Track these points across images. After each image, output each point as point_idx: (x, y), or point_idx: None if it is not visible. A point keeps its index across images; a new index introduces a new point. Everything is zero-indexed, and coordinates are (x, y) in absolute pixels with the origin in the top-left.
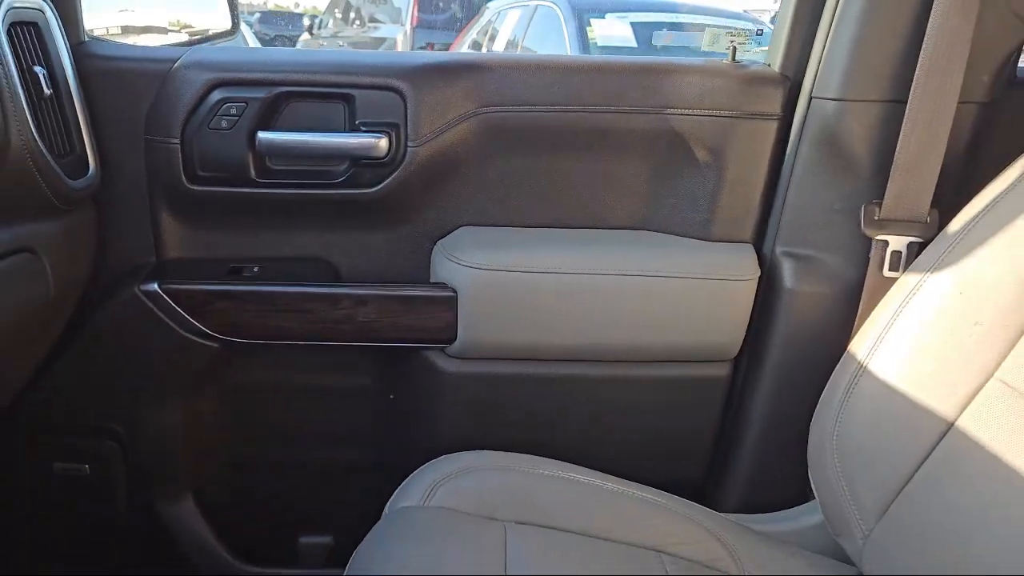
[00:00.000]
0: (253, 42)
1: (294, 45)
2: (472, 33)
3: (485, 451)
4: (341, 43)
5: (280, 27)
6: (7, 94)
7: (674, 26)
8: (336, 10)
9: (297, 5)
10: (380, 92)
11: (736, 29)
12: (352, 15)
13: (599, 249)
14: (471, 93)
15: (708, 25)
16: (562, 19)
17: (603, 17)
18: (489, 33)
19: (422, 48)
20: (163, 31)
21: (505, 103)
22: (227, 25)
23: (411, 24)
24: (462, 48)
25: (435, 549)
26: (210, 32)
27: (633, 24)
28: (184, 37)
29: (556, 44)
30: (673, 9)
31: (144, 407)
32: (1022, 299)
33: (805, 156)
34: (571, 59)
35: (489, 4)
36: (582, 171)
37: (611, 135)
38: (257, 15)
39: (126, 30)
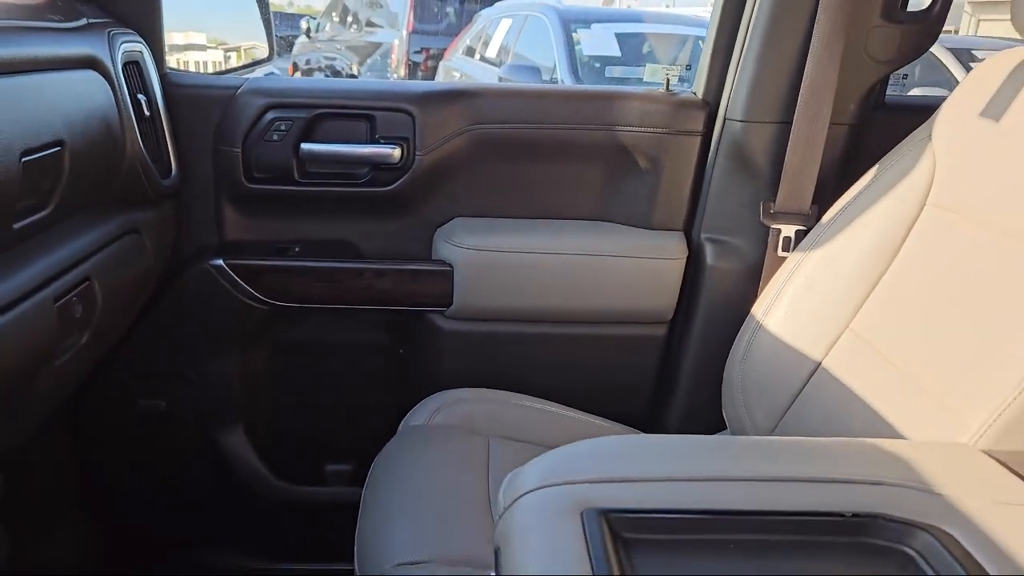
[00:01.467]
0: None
1: (291, 46)
2: (466, 39)
3: (475, 388)
4: (338, 46)
5: (276, 28)
6: (124, 116)
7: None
8: (333, 13)
9: (291, 4)
10: (394, 113)
11: (671, 66)
12: (349, 19)
13: (564, 235)
14: (465, 114)
15: (690, 36)
16: (551, 29)
17: (589, 28)
18: (483, 39)
19: (417, 52)
20: (202, 48)
21: (491, 121)
22: (266, 53)
23: (407, 29)
24: (456, 52)
25: (435, 453)
26: (253, 59)
27: (617, 35)
28: (220, 53)
29: (545, 52)
30: (657, 20)
31: (209, 356)
32: (867, 270)
33: (720, 164)
34: (541, 88)
35: (482, 12)
36: (551, 174)
37: (573, 147)
38: None
39: (171, 48)
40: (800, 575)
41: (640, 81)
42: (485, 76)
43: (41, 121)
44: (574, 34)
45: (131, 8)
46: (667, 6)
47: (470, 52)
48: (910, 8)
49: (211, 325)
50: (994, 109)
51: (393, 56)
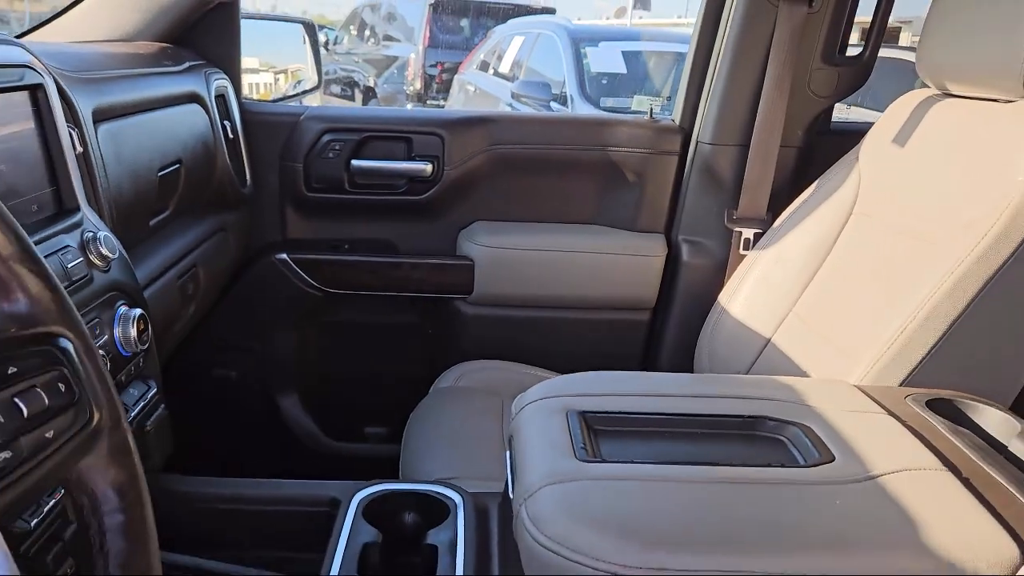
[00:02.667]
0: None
1: None
2: (480, 54)
3: (491, 360)
4: (356, 59)
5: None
6: (217, 139)
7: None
8: (351, 26)
9: (305, 12)
10: (427, 136)
11: (655, 97)
12: (367, 32)
13: (565, 236)
14: (485, 136)
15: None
16: (561, 47)
17: (597, 46)
18: (497, 54)
19: (432, 66)
20: (255, 71)
21: (506, 143)
22: (315, 81)
23: (423, 44)
24: (471, 67)
25: (460, 408)
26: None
27: (624, 52)
28: (270, 75)
29: (555, 68)
30: (661, 38)
31: (272, 333)
32: (807, 265)
33: (693, 179)
34: (548, 115)
35: (496, 28)
36: (555, 186)
37: (573, 164)
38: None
39: None
40: (710, 451)
41: (628, 109)
42: (498, 90)
43: (169, 145)
44: (583, 51)
45: (218, 52)
46: (678, 16)
47: (484, 67)
48: (849, 52)
49: (275, 308)
50: (901, 138)
51: (410, 69)
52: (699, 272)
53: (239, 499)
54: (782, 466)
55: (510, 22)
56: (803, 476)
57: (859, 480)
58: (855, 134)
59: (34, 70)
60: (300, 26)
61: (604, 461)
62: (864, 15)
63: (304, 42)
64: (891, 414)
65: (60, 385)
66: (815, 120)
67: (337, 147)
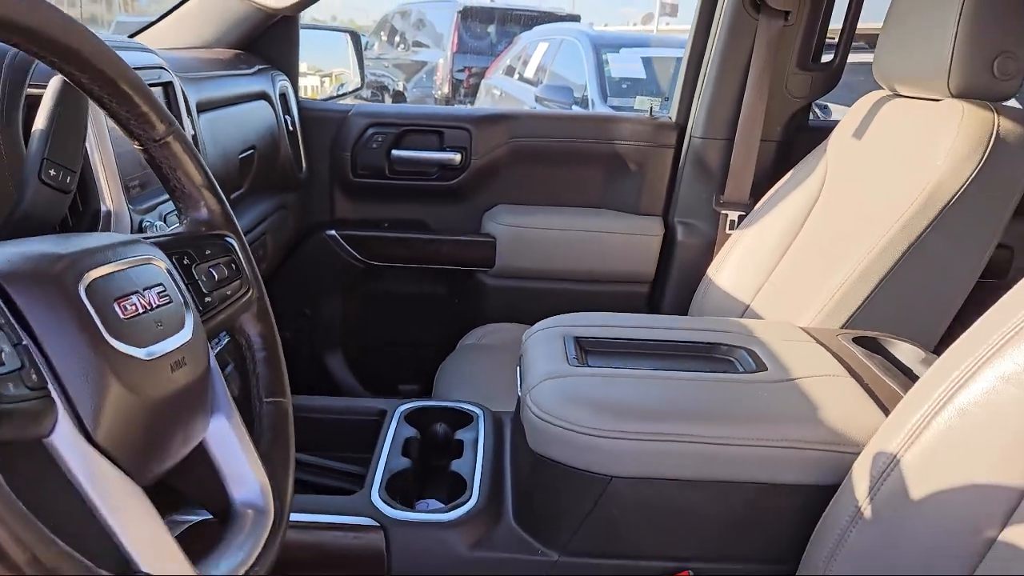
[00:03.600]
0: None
1: None
2: (507, 60)
3: (511, 323)
4: (386, 64)
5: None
6: (281, 131)
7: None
8: (382, 33)
9: (335, 19)
10: (457, 130)
11: (654, 98)
12: (397, 39)
13: (575, 217)
14: (506, 131)
15: None
16: (583, 53)
17: (618, 52)
18: (522, 59)
19: (460, 71)
20: (303, 74)
21: (524, 136)
22: (358, 82)
23: (451, 50)
24: (497, 72)
25: (483, 359)
26: (341, 83)
27: (644, 58)
28: (317, 78)
29: (577, 73)
30: (680, 45)
31: (321, 300)
32: (782, 242)
33: (687, 169)
34: (561, 113)
35: (522, 35)
36: (567, 174)
37: (583, 155)
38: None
39: None
40: (674, 365)
41: (632, 108)
42: (523, 94)
43: (246, 134)
44: (605, 57)
45: (280, 57)
46: None
47: (510, 72)
48: (822, 59)
49: (324, 277)
50: (859, 133)
51: (438, 74)
52: (691, 250)
53: (301, 408)
54: (726, 372)
55: (535, 29)
56: (740, 378)
57: (781, 381)
58: (827, 130)
59: (166, 70)
60: (346, 35)
61: (590, 366)
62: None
63: (348, 49)
64: (820, 343)
65: (232, 265)
66: (792, 117)
67: (379, 139)
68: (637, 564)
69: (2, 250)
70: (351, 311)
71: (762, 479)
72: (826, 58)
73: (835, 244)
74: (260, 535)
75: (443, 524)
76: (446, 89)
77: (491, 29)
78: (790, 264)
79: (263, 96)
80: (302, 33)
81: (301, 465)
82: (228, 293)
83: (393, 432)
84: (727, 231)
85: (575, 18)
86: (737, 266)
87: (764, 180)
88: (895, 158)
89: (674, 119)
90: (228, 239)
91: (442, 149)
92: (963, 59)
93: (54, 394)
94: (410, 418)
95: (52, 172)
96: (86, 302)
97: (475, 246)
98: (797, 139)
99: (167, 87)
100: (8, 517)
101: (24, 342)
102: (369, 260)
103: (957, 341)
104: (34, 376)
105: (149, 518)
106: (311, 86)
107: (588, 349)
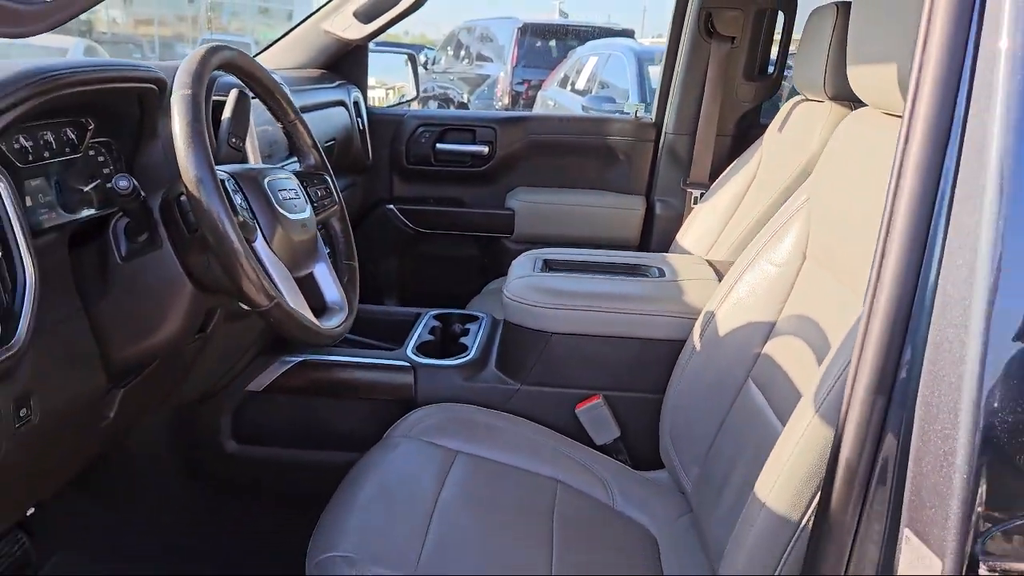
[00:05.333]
0: None
1: None
2: (561, 72)
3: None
4: (451, 77)
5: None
6: (354, 129)
7: None
8: (448, 47)
9: (407, 33)
10: (486, 128)
11: (639, 103)
12: (462, 53)
13: (577, 195)
14: (524, 129)
15: None
16: (627, 65)
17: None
18: (576, 70)
19: (520, 83)
20: (373, 87)
21: (538, 133)
22: (413, 94)
23: (511, 63)
24: (552, 84)
25: (495, 299)
26: (402, 95)
27: None
28: (382, 91)
29: (622, 83)
30: None
31: (381, 257)
32: (727, 211)
33: (663, 157)
34: (566, 115)
35: (576, 49)
36: (571, 162)
37: (584, 147)
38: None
39: None
40: (615, 278)
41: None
42: (572, 103)
43: (328, 130)
44: (647, 69)
45: (353, 74)
46: None
47: (563, 83)
48: (763, 71)
49: (383, 240)
50: (776, 126)
51: (499, 87)
52: (666, 220)
53: (364, 311)
54: (636, 277)
55: (588, 43)
56: (643, 279)
57: (669, 281)
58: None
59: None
60: (405, 56)
61: (552, 271)
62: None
63: (408, 67)
64: (711, 265)
65: (326, 189)
66: (743, 117)
67: (426, 135)
68: (567, 391)
69: (230, 167)
70: (403, 266)
71: (645, 336)
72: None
73: (754, 206)
74: (342, 316)
75: (450, 367)
76: (506, 100)
77: (551, 44)
78: (733, 225)
79: (341, 103)
80: (372, 55)
81: (362, 341)
82: (325, 203)
83: (424, 324)
84: (691, 205)
85: (629, 33)
86: (697, 231)
87: (721, 165)
88: (792, 144)
89: (653, 119)
90: (325, 176)
91: (474, 143)
92: (833, 69)
93: (257, 224)
94: (436, 318)
95: (233, 140)
96: (267, 188)
97: (499, 217)
98: (750, 134)
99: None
100: (252, 273)
101: (243, 202)
102: (418, 227)
103: (752, 242)
104: (248, 214)
105: (296, 293)
106: (378, 97)
107: (552, 266)
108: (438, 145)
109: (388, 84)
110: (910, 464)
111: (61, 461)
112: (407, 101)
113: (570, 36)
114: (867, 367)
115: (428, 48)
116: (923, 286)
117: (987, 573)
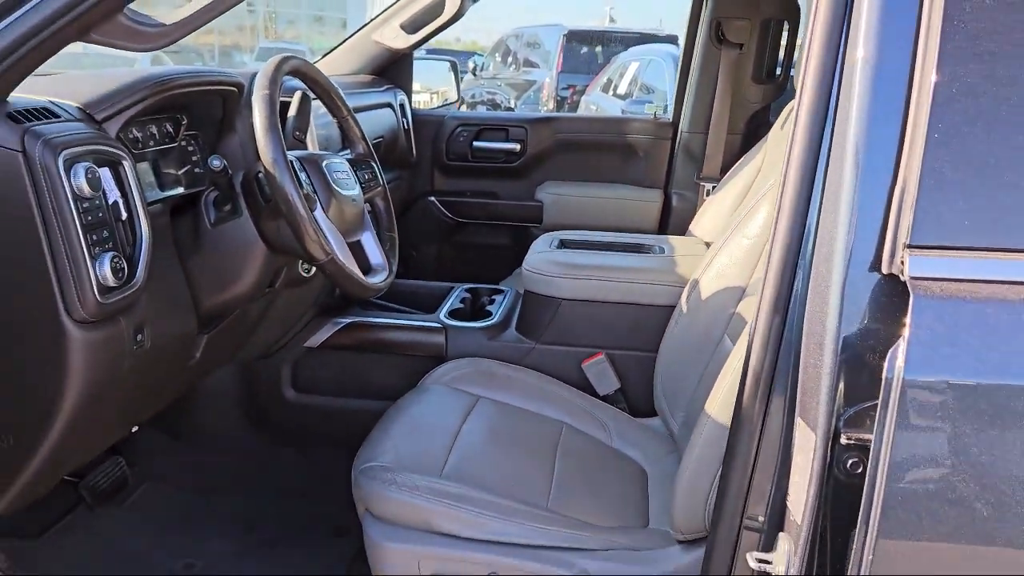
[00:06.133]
0: None
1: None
2: (604, 78)
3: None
4: (499, 83)
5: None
6: (399, 128)
7: None
8: (497, 54)
9: (458, 40)
10: (518, 128)
11: (658, 105)
12: (510, 59)
13: (599, 189)
14: (553, 128)
15: None
16: (666, 71)
17: None
18: (619, 74)
19: (564, 89)
20: (418, 92)
21: (565, 132)
22: (455, 98)
23: (556, 69)
24: (595, 89)
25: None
26: (445, 99)
27: None
28: (427, 95)
29: (661, 85)
30: None
31: (423, 244)
32: (734, 202)
33: (679, 154)
34: (592, 116)
35: (618, 56)
36: (595, 159)
37: (607, 145)
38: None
39: None
40: (623, 253)
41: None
42: (613, 107)
43: (377, 129)
44: None
45: (400, 79)
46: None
47: (606, 88)
48: (771, 74)
49: (425, 229)
50: (781, 125)
51: (544, 92)
52: (681, 212)
53: (400, 285)
54: (639, 254)
55: (630, 49)
56: (645, 256)
57: (666, 256)
58: None
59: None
60: (448, 63)
61: (566, 248)
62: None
63: (450, 74)
64: (706, 244)
65: (372, 173)
66: (753, 117)
67: (465, 135)
68: (575, 349)
69: (296, 152)
70: (443, 252)
71: (641, 302)
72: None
73: (757, 196)
74: (384, 275)
75: (476, 329)
76: (551, 106)
77: (598, 50)
78: (739, 217)
79: (388, 105)
80: (419, 62)
81: (402, 309)
82: (371, 185)
83: (456, 295)
84: (704, 197)
85: (672, 39)
86: (709, 221)
87: (732, 161)
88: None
89: (671, 119)
90: (371, 163)
91: (507, 141)
92: None
93: (317, 197)
94: (467, 291)
95: (297, 134)
96: (325, 170)
97: (529, 209)
98: (759, 132)
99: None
100: (313, 234)
101: (307, 179)
102: (456, 217)
103: (731, 220)
104: (311, 189)
105: (347, 254)
106: (423, 100)
107: (566, 244)
108: (475, 143)
109: (433, 89)
110: (800, 368)
111: (158, 388)
112: (449, 104)
113: (615, 42)
114: (768, 292)
115: (478, 55)
116: (808, 231)
117: (845, 441)
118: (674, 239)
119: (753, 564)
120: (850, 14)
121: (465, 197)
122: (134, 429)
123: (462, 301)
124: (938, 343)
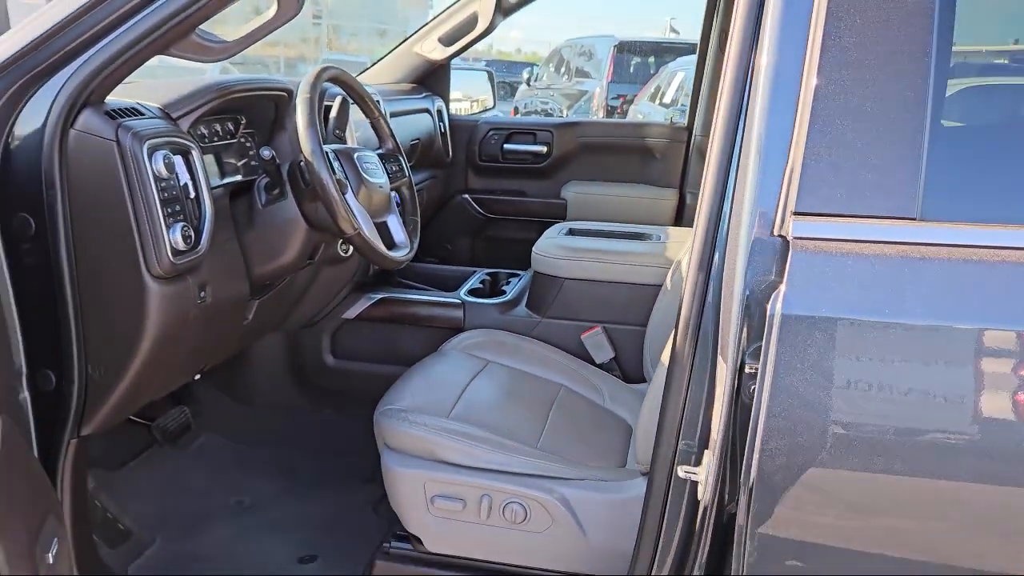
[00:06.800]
0: None
1: (514, 91)
2: (652, 87)
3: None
4: (552, 93)
5: (501, 74)
6: (436, 132)
7: None
8: (551, 64)
9: (519, 51)
10: (544, 131)
11: (677, 111)
12: (563, 69)
13: (619, 188)
14: (576, 132)
15: None
16: None
17: None
18: (666, 83)
19: (615, 98)
20: (459, 100)
21: (588, 136)
22: (491, 104)
23: (607, 79)
24: (643, 98)
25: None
26: (484, 107)
27: None
28: (467, 103)
29: None
30: None
31: (456, 238)
32: None
33: (693, 156)
34: (612, 120)
35: (667, 66)
36: (616, 160)
37: (626, 147)
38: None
39: None
40: (613, 238)
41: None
42: (658, 115)
43: (415, 131)
44: None
45: (438, 88)
46: None
47: (653, 97)
48: None
49: (459, 225)
50: None
51: (595, 101)
52: (694, 209)
53: (428, 269)
54: (639, 241)
55: (679, 59)
56: (641, 242)
57: (660, 242)
58: None
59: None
60: (485, 73)
61: (573, 236)
62: None
63: (487, 83)
64: None
65: (399, 166)
66: None
67: (496, 138)
68: (575, 322)
69: (332, 147)
70: (475, 245)
71: (633, 281)
72: None
73: None
74: (405, 251)
75: (490, 305)
76: (601, 115)
77: (650, 60)
78: None
79: (426, 111)
80: (461, 72)
81: (428, 288)
82: (397, 176)
83: (476, 277)
84: None
85: None
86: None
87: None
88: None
89: (686, 125)
90: (399, 157)
91: (535, 144)
92: None
93: (348, 183)
94: (487, 274)
95: (337, 132)
96: (356, 160)
97: (554, 206)
98: None
99: (377, 103)
100: (344, 213)
101: (340, 168)
102: (488, 214)
103: None
104: (343, 175)
105: (374, 232)
106: (463, 108)
107: (574, 232)
108: (505, 146)
109: (473, 97)
110: (721, 315)
111: (218, 341)
112: (486, 111)
113: (665, 52)
114: (695, 255)
115: (534, 65)
116: (724, 205)
117: (748, 371)
118: (672, 229)
119: (682, 475)
120: (759, 30)
121: (496, 195)
122: (197, 376)
123: (481, 282)
124: (808, 287)
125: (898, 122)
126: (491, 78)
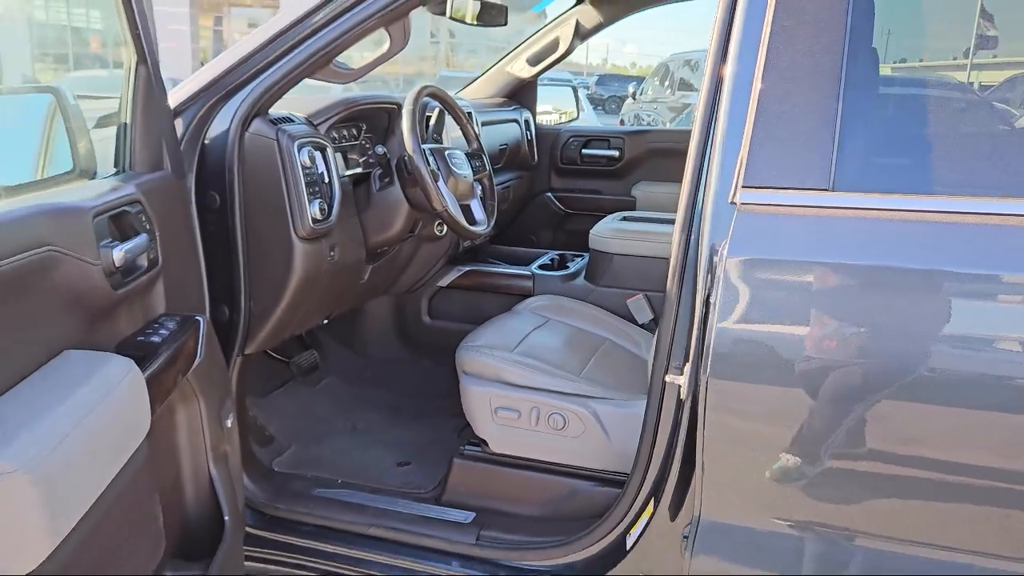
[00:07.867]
0: (585, 103)
1: (621, 105)
2: None
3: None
4: (655, 106)
5: (613, 89)
6: (523, 139)
7: None
8: (656, 78)
9: (634, 65)
10: (617, 138)
11: None
12: (667, 82)
13: (650, 186)
14: (644, 139)
15: None
16: None
17: None
18: None
19: None
20: (548, 112)
21: (655, 142)
22: (575, 115)
23: None
24: None
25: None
26: (571, 117)
27: None
28: (556, 115)
29: None
30: None
31: (540, 232)
32: None
33: None
34: (670, 129)
35: None
36: (679, 163)
37: (654, 151)
38: (595, 77)
39: None
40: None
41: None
42: None
43: (503, 137)
44: None
45: (526, 101)
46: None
47: None
48: None
49: (543, 220)
50: None
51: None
52: None
53: (512, 250)
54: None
55: None
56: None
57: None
58: None
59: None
60: (571, 89)
61: (624, 221)
62: None
63: (572, 97)
64: None
65: (480, 162)
66: None
67: (575, 144)
68: (622, 290)
69: (428, 146)
70: (556, 237)
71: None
72: None
73: None
74: (484, 227)
75: (555, 276)
76: None
77: None
78: None
79: (514, 121)
80: (550, 88)
81: (506, 265)
82: (479, 169)
83: (545, 257)
84: None
85: None
86: None
87: None
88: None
89: None
90: (482, 156)
91: (609, 149)
92: None
93: (439, 173)
94: (556, 254)
95: (435, 135)
96: (447, 156)
97: (625, 203)
98: None
99: (470, 114)
100: (435, 195)
101: (434, 162)
102: (567, 210)
103: None
104: (436, 167)
105: (459, 211)
106: (552, 119)
107: (627, 219)
108: (583, 150)
109: (561, 109)
110: (698, 285)
111: (341, 293)
112: (571, 121)
113: None
114: (679, 216)
115: (642, 79)
116: (700, 182)
117: (710, 303)
118: None
119: (668, 379)
120: (726, 45)
121: (574, 193)
122: (325, 321)
123: (551, 260)
124: (746, 238)
125: (816, 119)
126: (575, 91)
